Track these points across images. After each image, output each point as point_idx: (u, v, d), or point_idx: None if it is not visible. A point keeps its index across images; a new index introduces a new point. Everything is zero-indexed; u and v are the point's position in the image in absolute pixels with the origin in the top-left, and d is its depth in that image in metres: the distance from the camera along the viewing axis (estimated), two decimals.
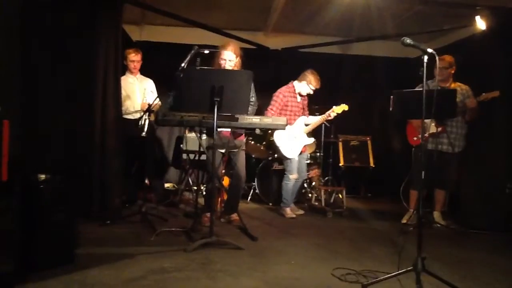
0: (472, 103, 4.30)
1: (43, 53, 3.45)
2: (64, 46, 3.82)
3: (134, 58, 4.88)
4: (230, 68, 3.98)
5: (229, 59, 3.99)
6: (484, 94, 4.23)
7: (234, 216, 4.28)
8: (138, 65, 4.95)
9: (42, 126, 3.49)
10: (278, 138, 4.92)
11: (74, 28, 3.97)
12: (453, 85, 4.49)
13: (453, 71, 4.50)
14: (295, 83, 5.01)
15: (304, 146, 5.08)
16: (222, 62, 4.00)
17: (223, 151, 4.08)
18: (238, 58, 4.06)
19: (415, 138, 4.64)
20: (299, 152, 4.99)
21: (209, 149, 3.91)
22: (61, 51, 3.78)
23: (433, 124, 4.41)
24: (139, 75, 5.02)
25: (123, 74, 4.83)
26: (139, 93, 4.92)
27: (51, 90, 3.62)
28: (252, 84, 4.13)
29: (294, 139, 4.94)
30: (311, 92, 4.99)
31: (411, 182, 4.57)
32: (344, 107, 4.93)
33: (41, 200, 2.63)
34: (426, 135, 4.39)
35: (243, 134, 4.26)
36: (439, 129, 4.43)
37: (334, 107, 4.93)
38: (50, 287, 2.33)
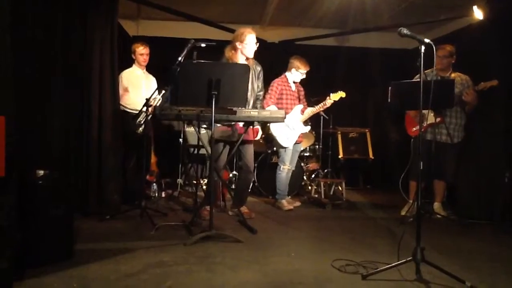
0: (470, 95, 4.28)
1: (37, 47, 3.42)
2: (58, 40, 3.78)
3: (143, 51, 4.88)
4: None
5: (255, 41, 4.04)
6: (482, 83, 4.22)
7: (244, 208, 4.29)
8: (147, 58, 4.94)
9: (38, 122, 3.47)
10: (274, 128, 4.93)
11: (68, 22, 3.92)
12: (453, 75, 4.48)
13: (453, 61, 4.49)
14: (287, 74, 5.09)
15: (301, 135, 5.08)
16: (254, 47, 4.03)
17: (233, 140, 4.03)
18: None
19: (413, 129, 4.63)
20: (295, 141, 4.99)
21: (217, 142, 3.90)
22: (56, 45, 3.74)
23: (431, 114, 4.40)
24: (145, 70, 5.02)
25: (128, 66, 4.89)
26: (145, 87, 4.90)
27: (46, 85, 3.59)
28: (262, 78, 4.23)
29: (290, 127, 4.94)
30: (304, 76, 5.03)
31: (410, 173, 4.56)
32: (341, 94, 4.92)
33: (39, 196, 2.62)
34: (425, 125, 4.38)
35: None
36: (438, 119, 4.42)
37: (331, 94, 4.93)
38: (49, 283, 2.32)
